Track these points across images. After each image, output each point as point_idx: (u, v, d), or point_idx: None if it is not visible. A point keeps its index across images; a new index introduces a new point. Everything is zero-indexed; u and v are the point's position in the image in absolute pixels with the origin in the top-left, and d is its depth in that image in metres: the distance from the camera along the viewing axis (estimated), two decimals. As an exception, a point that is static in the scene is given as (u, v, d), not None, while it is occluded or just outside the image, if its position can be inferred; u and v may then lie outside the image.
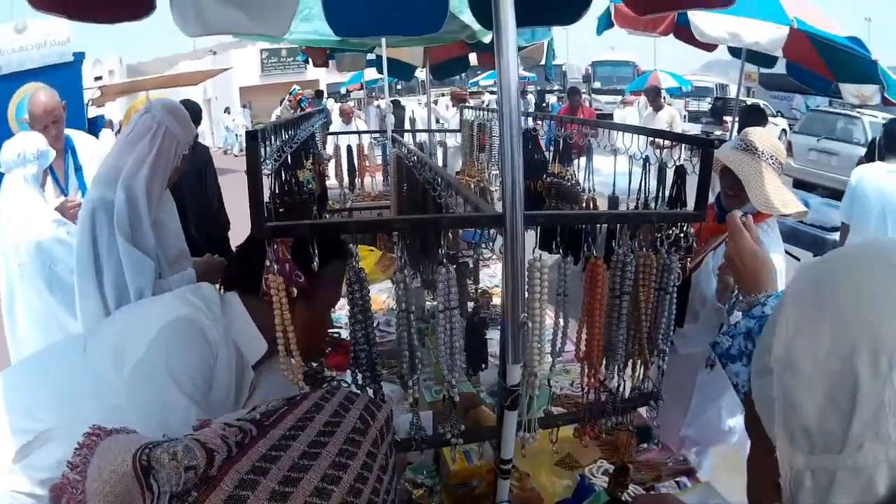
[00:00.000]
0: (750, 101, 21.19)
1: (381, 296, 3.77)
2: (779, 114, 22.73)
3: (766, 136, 2.76)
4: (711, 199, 2.71)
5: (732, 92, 21.66)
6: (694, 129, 19.76)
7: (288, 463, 0.82)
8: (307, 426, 0.89)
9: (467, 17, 4.08)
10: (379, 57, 5.74)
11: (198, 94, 22.71)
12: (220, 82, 24.40)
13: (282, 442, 0.85)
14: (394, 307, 1.78)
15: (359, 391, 1.21)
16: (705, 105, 24.67)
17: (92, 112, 9.53)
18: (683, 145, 2.35)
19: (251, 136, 1.69)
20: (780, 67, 5.75)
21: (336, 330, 3.38)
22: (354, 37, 4.49)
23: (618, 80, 28.27)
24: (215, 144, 25.25)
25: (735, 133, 6.42)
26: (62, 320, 3.29)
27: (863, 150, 9.15)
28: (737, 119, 6.82)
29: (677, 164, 2.35)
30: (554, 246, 1.90)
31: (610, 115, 20.68)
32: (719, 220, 2.82)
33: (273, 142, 2.21)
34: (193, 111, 5.19)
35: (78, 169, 3.91)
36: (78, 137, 4.03)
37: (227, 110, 26.05)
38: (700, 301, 2.77)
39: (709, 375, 2.77)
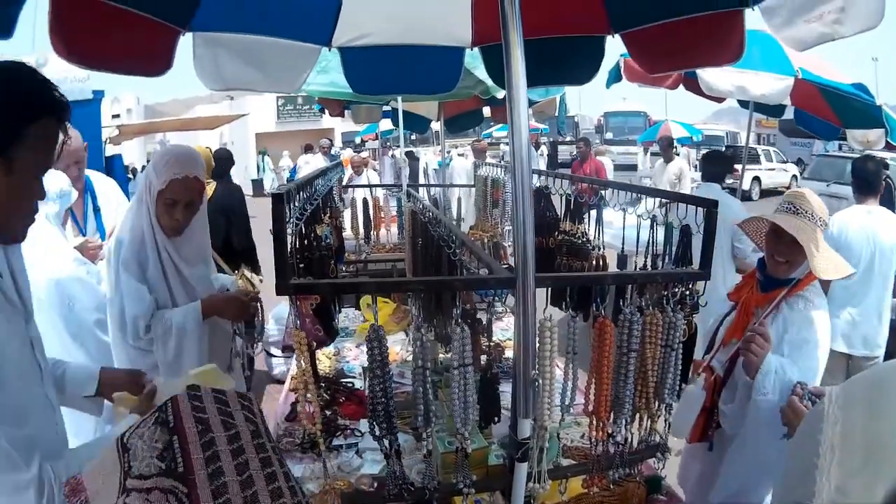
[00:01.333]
0: (761, 148, 21.61)
1: (395, 347, 3.77)
2: (799, 161, 23.17)
3: (816, 199, 2.49)
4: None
5: (742, 139, 21.98)
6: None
7: (240, 502, 0.85)
8: (218, 452, 0.90)
9: (481, 73, 4.22)
10: (394, 109, 5.88)
11: (214, 138, 22.94)
12: (236, 128, 24.74)
13: (216, 484, 0.87)
14: (407, 359, 1.84)
15: (221, 389, 1.11)
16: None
17: (109, 150, 9.55)
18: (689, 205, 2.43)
19: (277, 199, 1.79)
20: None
21: (350, 379, 3.44)
22: (372, 94, 4.63)
23: (630, 131, 28.56)
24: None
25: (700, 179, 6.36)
26: (76, 358, 3.32)
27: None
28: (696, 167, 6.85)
29: (683, 223, 2.42)
30: (563, 305, 1.97)
31: (625, 167, 20.97)
32: (763, 290, 2.53)
33: (296, 201, 2.30)
34: (223, 158, 5.83)
35: (97, 210, 3.93)
36: (97, 179, 4.06)
37: (262, 153, 26.59)
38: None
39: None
